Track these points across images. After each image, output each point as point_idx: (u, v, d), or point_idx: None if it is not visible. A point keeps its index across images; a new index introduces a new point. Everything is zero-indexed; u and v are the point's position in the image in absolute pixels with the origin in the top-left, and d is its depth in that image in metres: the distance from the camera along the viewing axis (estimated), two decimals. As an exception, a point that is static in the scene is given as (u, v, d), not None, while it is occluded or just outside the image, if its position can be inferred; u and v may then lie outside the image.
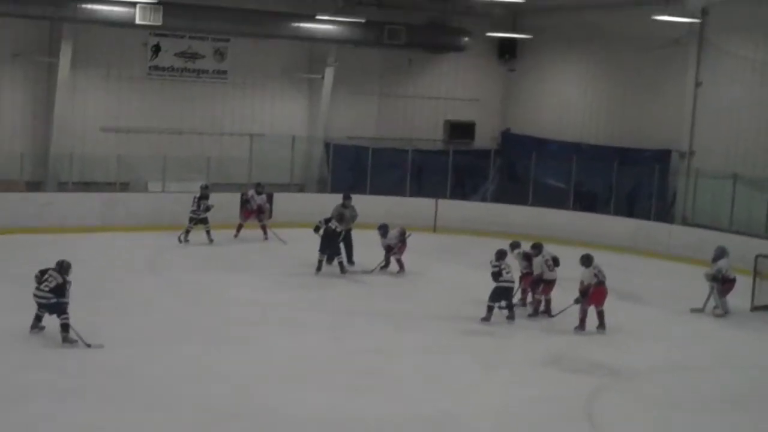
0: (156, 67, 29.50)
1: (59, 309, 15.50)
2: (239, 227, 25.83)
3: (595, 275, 18.28)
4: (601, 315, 18.28)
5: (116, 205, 26.10)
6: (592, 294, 18.21)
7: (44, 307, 15.69)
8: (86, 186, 27.39)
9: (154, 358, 15.25)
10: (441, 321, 18.67)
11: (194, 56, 29.98)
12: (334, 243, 22.44)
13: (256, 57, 30.91)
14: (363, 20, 29.80)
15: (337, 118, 32.08)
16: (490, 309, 18.51)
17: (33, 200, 25.87)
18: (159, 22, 27.16)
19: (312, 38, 30.49)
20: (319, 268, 22.24)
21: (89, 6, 26.43)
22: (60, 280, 15.59)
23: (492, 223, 27.86)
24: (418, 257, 23.44)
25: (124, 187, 27.38)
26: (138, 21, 26.85)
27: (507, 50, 34.58)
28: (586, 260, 18.49)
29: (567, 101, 32.92)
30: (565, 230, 27.39)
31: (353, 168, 30.73)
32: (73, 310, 16.17)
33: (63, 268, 15.80)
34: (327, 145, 31.46)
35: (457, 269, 23.95)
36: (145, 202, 26.82)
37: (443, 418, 13.59)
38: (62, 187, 27.35)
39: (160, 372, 14.63)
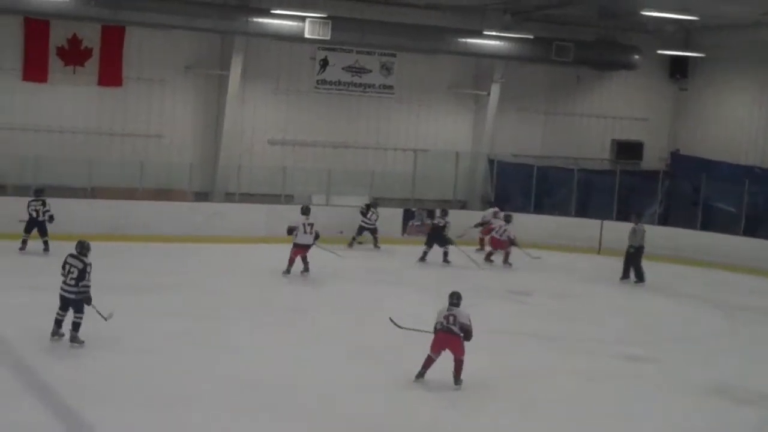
0: (323, 81, 29.77)
1: None
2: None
3: (444, 317, 14.74)
4: (456, 365, 14.81)
5: (280, 217, 26.29)
6: (435, 337, 14.77)
7: None
8: (252, 197, 27.72)
9: (308, 371, 15.16)
10: (601, 345, 18.15)
11: (361, 71, 30.15)
12: (439, 237, 24.89)
13: (423, 72, 30.91)
14: (531, 36, 29.56)
15: (502, 135, 31.82)
16: None
17: (201, 210, 26.46)
18: (327, 37, 27.36)
19: (479, 54, 30.30)
20: (422, 258, 24.93)
21: (260, 20, 26.83)
22: None
23: (659, 247, 27.04)
24: (581, 279, 23.06)
25: (289, 199, 27.65)
26: (307, 35, 27.12)
27: (678, 69, 33.82)
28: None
29: (740, 122, 31.93)
30: (734, 256, 26.53)
31: (518, 185, 30.39)
32: (234, 319, 16.35)
33: None
34: (491, 162, 31.18)
35: (620, 292, 23.40)
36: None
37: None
38: (229, 197, 27.83)
39: (315, 383, 14.54)
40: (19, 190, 23.79)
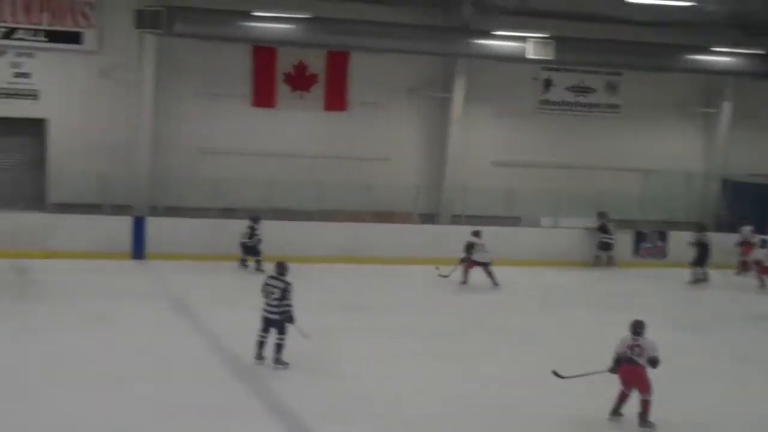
0: (547, 102, 29.37)
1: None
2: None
3: (628, 347, 13.55)
4: (643, 405, 13.50)
5: (507, 239, 25.98)
6: (620, 370, 13.65)
7: None
8: (478, 219, 27.40)
9: (536, 395, 14.66)
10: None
11: (586, 90, 29.60)
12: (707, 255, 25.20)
13: (649, 90, 30.01)
14: (763, 51, 28.35)
15: (735, 154, 30.62)
16: None
17: (427, 232, 26.53)
18: (550, 57, 26.89)
19: (707, 71, 29.27)
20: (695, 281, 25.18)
21: (482, 42, 26.65)
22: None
23: None
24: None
25: (516, 221, 27.28)
26: (529, 56, 26.71)
27: None
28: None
29: None
30: None
31: (755, 207, 29.01)
32: (459, 342, 16.44)
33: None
34: (724, 182, 30.08)
35: None
36: (537, 237, 26.65)
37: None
38: (455, 219, 27.65)
39: (531, 408, 14.00)
40: (250, 214, 24.31)
